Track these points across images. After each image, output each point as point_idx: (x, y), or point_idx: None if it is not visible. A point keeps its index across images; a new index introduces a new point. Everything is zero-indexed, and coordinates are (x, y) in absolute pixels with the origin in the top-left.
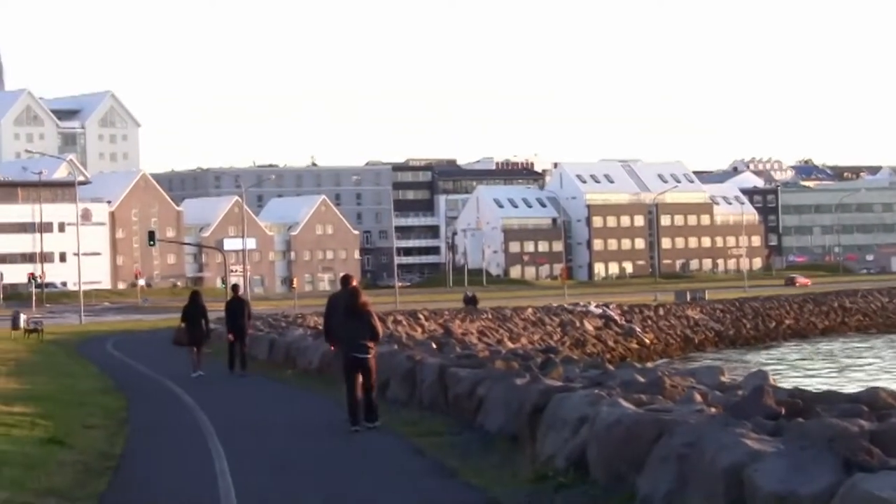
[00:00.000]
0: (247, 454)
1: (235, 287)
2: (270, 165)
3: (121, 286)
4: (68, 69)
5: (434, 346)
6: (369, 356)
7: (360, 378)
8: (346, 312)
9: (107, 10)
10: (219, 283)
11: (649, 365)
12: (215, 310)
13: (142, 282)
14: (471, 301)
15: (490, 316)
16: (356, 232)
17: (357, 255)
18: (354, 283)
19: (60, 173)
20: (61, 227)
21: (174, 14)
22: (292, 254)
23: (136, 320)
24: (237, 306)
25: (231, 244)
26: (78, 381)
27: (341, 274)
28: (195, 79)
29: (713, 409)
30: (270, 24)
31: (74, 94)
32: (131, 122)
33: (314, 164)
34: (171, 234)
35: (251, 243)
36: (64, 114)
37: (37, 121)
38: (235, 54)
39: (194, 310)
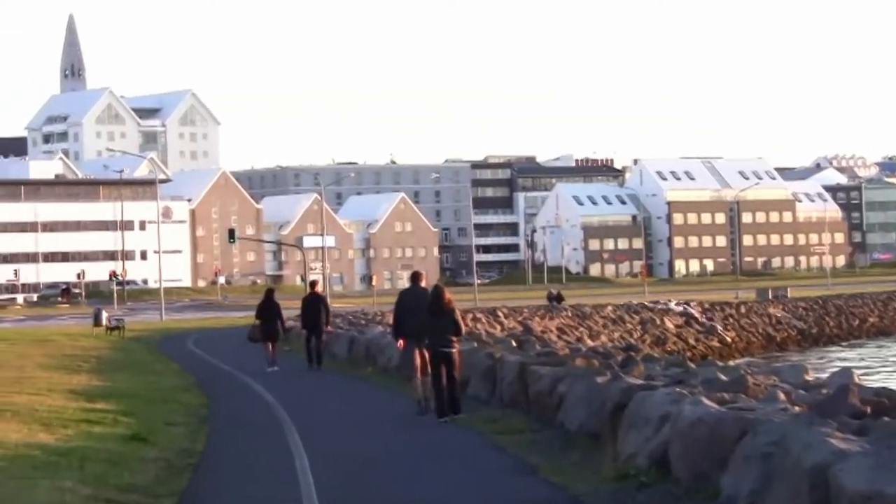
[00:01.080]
0: (327, 451)
1: (313, 283)
2: (350, 163)
3: (201, 284)
4: (149, 68)
5: (514, 343)
6: (453, 350)
7: (445, 371)
8: (430, 309)
9: (188, 9)
10: (298, 281)
11: (731, 363)
12: (293, 307)
13: (222, 279)
14: (556, 299)
15: (570, 313)
16: (435, 229)
17: (436, 252)
18: (423, 280)
19: (141, 172)
20: (142, 225)
21: (254, 12)
22: (371, 251)
23: (217, 317)
24: (314, 302)
25: (310, 242)
26: (159, 378)
27: (410, 271)
28: (275, 77)
29: (797, 408)
30: (349, 22)
31: (155, 92)
32: (211, 121)
33: (393, 162)
34: (250, 231)
35: (330, 241)
36: (145, 112)
37: (118, 119)
38: (316, 52)
39: (268, 307)
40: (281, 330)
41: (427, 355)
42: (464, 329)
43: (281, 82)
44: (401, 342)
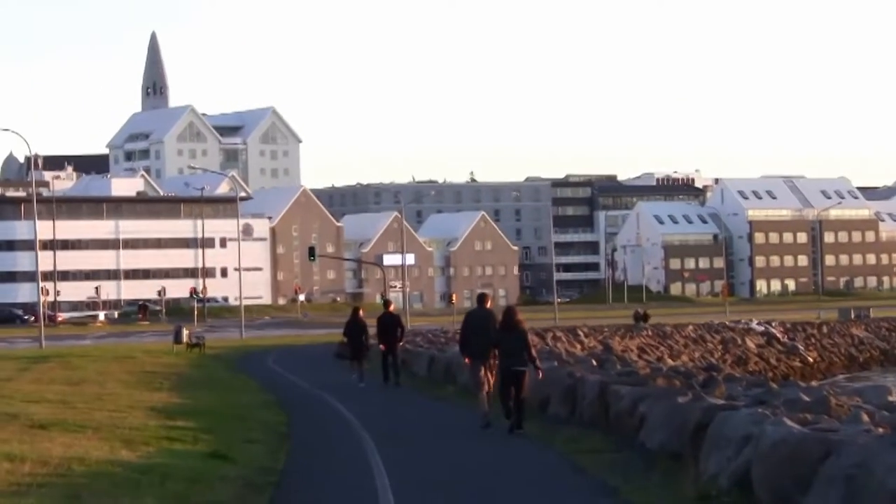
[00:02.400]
0: (407, 469)
1: (387, 302)
2: (430, 181)
3: (281, 301)
4: (231, 86)
5: (594, 362)
6: (525, 368)
7: (514, 388)
8: (503, 329)
9: (269, 26)
10: (378, 299)
11: (813, 384)
12: (370, 325)
13: (302, 297)
14: (642, 318)
15: (650, 333)
16: (515, 248)
17: (516, 270)
18: (489, 301)
19: (222, 189)
20: (223, 243)
21: (335, 31)
22: (451, 269)
23: (297, 335)
24: (389, 321)
25: (390, 260)
26: (239, 395)
27: (478, 292)
28: (356, 94)
29: (880, 430)
30: (430, 41)
31: (237, 110)
32: (292, 138)
33: (473, 180)
34: (330, 249)
35: (410, 259)
36: (226, 130)
37: (199, 137)
38: (397, 70)
39: (355, 325)
40: (367, 347)
41: (493, 372)
42: (534, 350)
43: (362, 100)
44: (467, 360)
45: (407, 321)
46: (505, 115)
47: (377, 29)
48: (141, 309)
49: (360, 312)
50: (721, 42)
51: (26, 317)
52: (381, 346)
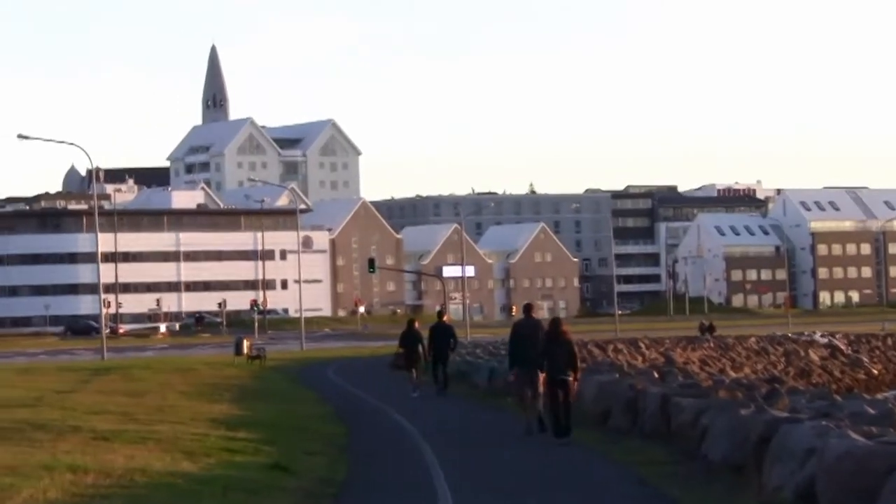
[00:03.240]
0: (467, 480)
1: (441, 313)
2: (489, 193)
3: (341, 313)
4: (290, 98)
5: (656, 374)
6: (570, 378)
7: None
8: (549, 339)
9: (328, 39)
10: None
11: (878, 396)
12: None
13: (362, 309)
14: (707, 329)
15: (712, 344)
16: (575, 259)
17: (576, 282)
18: (535, 311)
19: (282, 201)
20: (283, 255)
21: (394, 43)
22: (511, 281)
23: (357, 347)
24: (441, 330)
25: (450, 272)
26: (299, 407)
27: (524, 303)
28: (414, 106)
29: None
30: (488, 53)
31: (296, 122)
32: (352, 151)
33: (533, 192)
34: (390, 261)
35: (470, 271)
36: (286, 142)
37: (259, 150)
38: (455, 82)
39: (410, 336)
40: (423, 357)
41: (541, 380)
42: (579, 359)
43: (421, 112)
44: (513, 370)
45: (466, 333)
46: (565, 127)
47: (435, 40)
48: (197, 321)
49: (416, 324)
50: (783, 52)
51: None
52: (431, 356)
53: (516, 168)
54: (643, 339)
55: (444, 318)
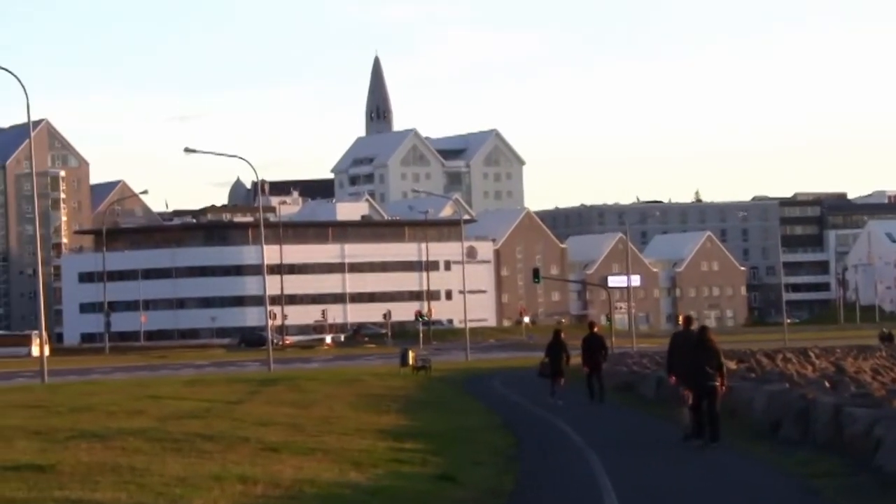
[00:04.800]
0: (637, 491)
1: (591, 324)
2: (655, 202)
3: (506, 323)
4: (453, 109)
5: (827, 384)
6: (716, 384)
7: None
8: (696, 347)
9: (490, 50)
10: (603, 320)
11: None
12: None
13: (527, 319)
14: (887, 338)
15: (884, 353)
16: (742, 268)
17: (743, 291)
18: (694, 323)
19: (446, 212)
20: (447, 266)
21: (557, 53)
22: (677, 290)
23: (522, 357)
24: (593, 341)
25: (615, 281)
26: (466, 417)
27: (683, 314)
28: (578, 116)
29: None
30: (651, 61)
31: (460, 133)
32: (515, 161)
33: (698, 200)
34: (555, 271)
35: (635, 280)
36: (449, 153)
37: (423, 161)
38: (617, 91)
39: (556, 346)
40: (566, 366)
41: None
42: (725, 367)
43: (584, 121)
44: (672, 378)
45: (633, 343)
46: (731, 134)
47: (597, 48)
48: (355, 332)
49: (562, 334)
50: None
51: (275, 340)
52: (585, 367)
53: (682, 176)
54: (813, 349)
55: (595, 330)
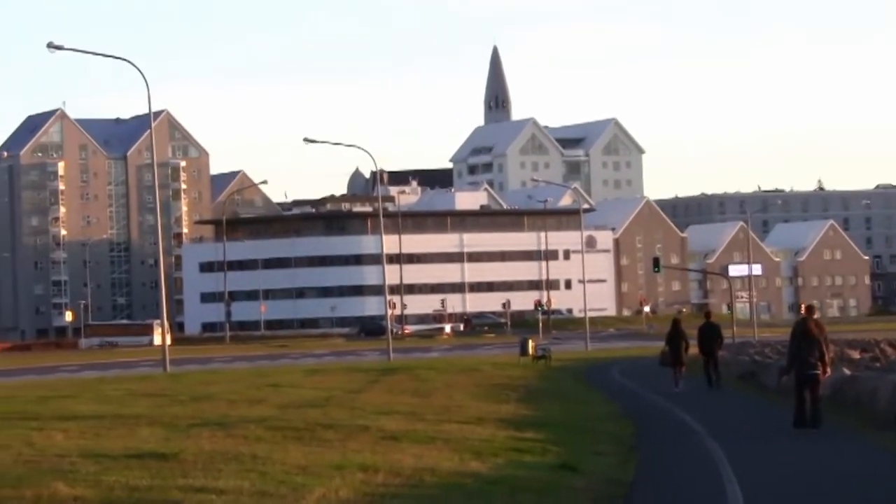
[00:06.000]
0: (760, 482)
1: (707, 313)
2: (776, 190)
3: (626, 313)
4: (572, 98)
5: None
6: (818, 372)
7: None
8: (801, 336)
9: (608, 39)
10: (724, 309)
11: None
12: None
13: (647, 308)
14: None
15: None
16: (866, 257)
17: (867, 280)
18: (816, 313)
19: (565, 201)
20: (566, 255)
21: (673, 41)
22: (799, 279)
23: (642, 346)
24: (709, 330)
25: (736, 270)
26: (586, 407)
27: (804, 304)
28: (698, 104)
29: None
30: (773, 45)
31: (578, 122)
32: (635, 149)
33: (821, 189)
34: (675, 260)
35: (757, 269)
36: (568, 142)
37: (542, 150)
38: (735, 78)
39: (675, 335)
40: (685, 354)
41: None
42: (828, 355)
43: (704, 109)
44: (790, 367)
45: (754, 332)
46: (854, 121)
47: (715, 36)
48: (466, 323)
49: (681, 324)
50: None
51: (394, 329)
52: (701, 355)
53: (804, 164)
54: None
55: (710, 318)
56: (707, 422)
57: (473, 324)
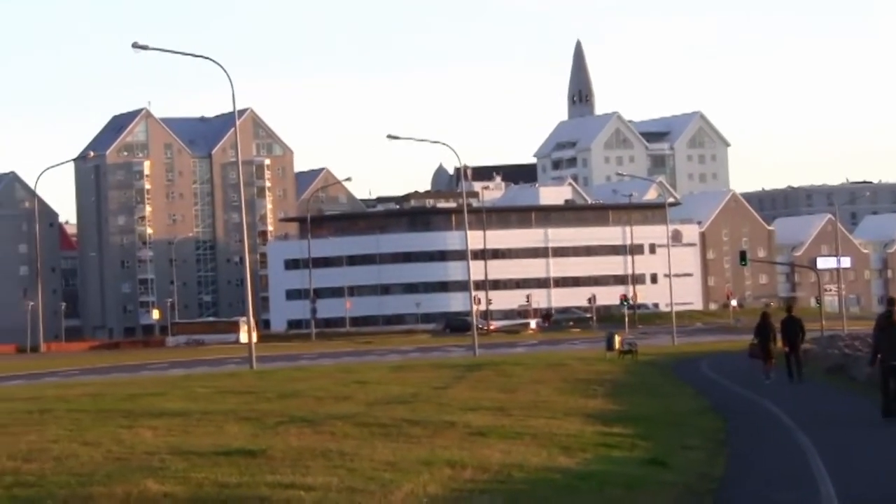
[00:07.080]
0: (852, 479)
1: (790, 307)
2: (864, 182)
3: (712, 307)
4: (656, 91)
5: None
6: None
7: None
8: (885, 328)
9: (692, 31)
10: (813, 303)
11: None
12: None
13: (734, 302)
14: None
15: None
16: None
17: None
18: None
19: (650, 195)
20: (652, 249)
21: (758, 33)
22: (889, 272)
23: (730, 340)
24: (791, 323)
25: (824, 263)
26: (674, 401)
27: (889, 296)
28: (784, 95)
29: None
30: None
31: (662, 115)
32: (720, 142)
33: None
34: (761, 253)
35: (845, 262)
36: (653, 136)
37: (626, 144)
38: (816, 69)
39: (764, 328)
40: (774, 347)
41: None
42: None
43: (790, 100)
44: (876, 360)
45: (843, 325)
46: None
47: (803, 29)
48: (545, 318)
49: (769, 317)
50: None
51: (480, 325)
52: (784, 347)
53: (893, 155)
54: None
55: (793, 312)
56: (796, 415)
57: (553, 318)
